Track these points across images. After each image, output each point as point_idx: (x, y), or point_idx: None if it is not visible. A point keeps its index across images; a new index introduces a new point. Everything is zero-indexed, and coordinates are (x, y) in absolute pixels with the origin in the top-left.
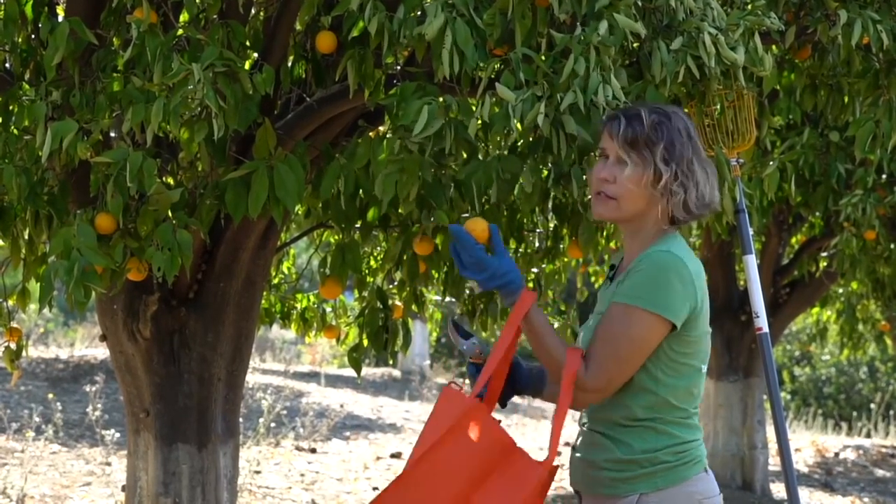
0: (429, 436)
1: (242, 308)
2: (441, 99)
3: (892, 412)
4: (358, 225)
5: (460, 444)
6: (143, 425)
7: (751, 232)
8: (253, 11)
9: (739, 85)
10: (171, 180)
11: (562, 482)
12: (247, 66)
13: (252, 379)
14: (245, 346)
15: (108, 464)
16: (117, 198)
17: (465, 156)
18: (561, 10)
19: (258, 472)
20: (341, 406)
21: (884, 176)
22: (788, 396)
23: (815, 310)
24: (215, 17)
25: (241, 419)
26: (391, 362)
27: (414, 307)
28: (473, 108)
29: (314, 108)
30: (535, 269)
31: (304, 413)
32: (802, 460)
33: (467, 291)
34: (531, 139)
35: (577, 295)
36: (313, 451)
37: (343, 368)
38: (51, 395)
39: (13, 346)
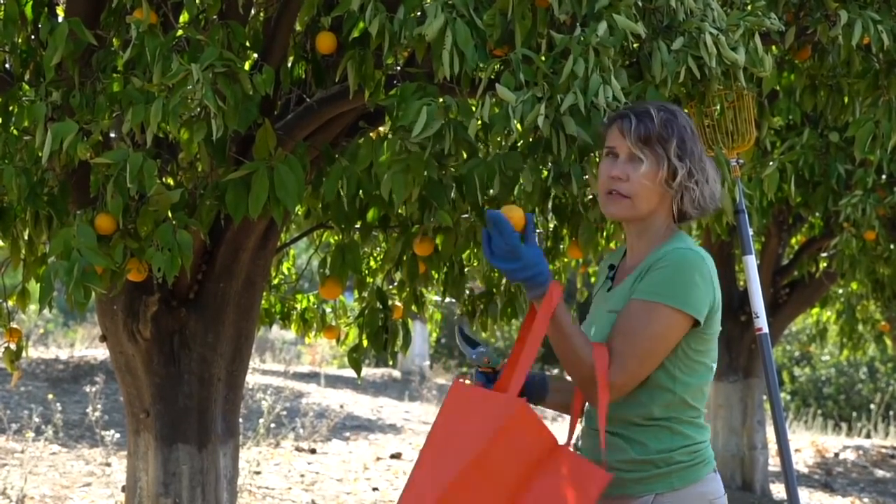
0: (442, 432)
1: (242, 308)
2: (441, 99)
3: (891, 413)
4: (358, 225)
5: (512, 446)
6: (143, 426)
7: (750, 232)
8: (253, 12)
9: (739, 85)
10: (171, 181)
11: None
12: (247, 66)
13: (252, 379)
14: (245, 347)
15: (108, 464)
16: (117, 198)
17: (465, 156)
18: (561, 11)
19: (258, 473)
20: (341, 406)
21: (883, 176)
22: (788, 397)
23: (815, 310)
24: (215, 17)
25: (241, 420)
26: (391, 363)
27: (414, 308)
28: (473, 109)
29: (314, 108)
30: None
31: (303, 413)
32: (802, 461)
33: (467, 292)
34: (531, 140)
35: (577, 295)
36: (313, 451)
37: (343, 369)
38: (51, 396)
39: (13, 346)
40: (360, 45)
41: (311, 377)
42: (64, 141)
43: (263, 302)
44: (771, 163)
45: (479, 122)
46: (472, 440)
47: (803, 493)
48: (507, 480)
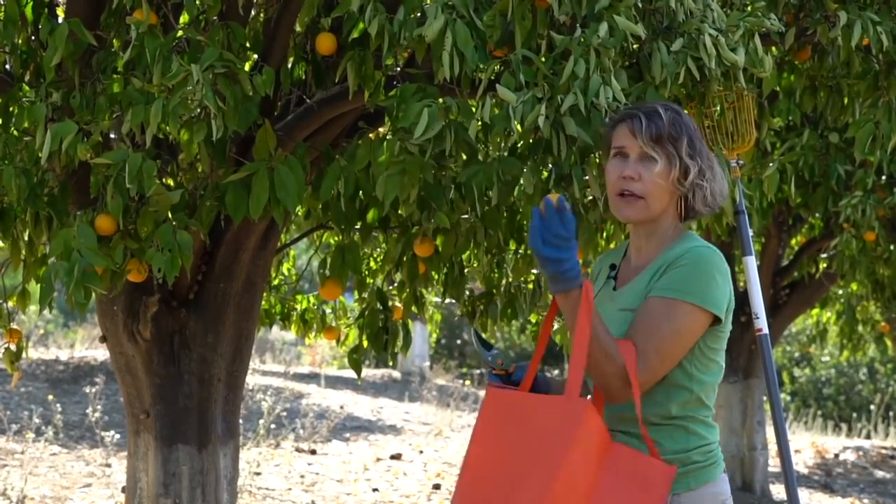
0: (503, 443)
1: (242, 309)
2: (441, 100)
3: (891, 413)
4: (358, 226)
5: (586, 449)
6: (144, 426)
7: (750, 233)
8: (253, 13)
9: (739, 86)
10: (171, 181)
11: None
12: (247, 67)
13: (252, 380)
14: (245, 347)
15: (109, 465)
16: (117, 199)
17: (465, 157)
18: (561, 12)
19: (258, 474)
20: (341, 407)
21: (883, 177)
22: (788, 398)
23: (815, 311)
24: (215, 18)
25: (241, 420)
26: (391, 363)
27: (414, 308)
28: (473, 110)
29: (314, 109)
30: (535, 270)
31: (304, 414)
32: (802, 461)
33: (467, 293)
34: (531, 141)
35: None
36: (313, 452)
37: (343, 370)
38: (51, 397)
39: (13, 347)
40: (360, 45)
41: (312, 378)
42: (64, 141)
43: (263, 302)
44: (771, 164)
45: (480, 122)
46: (550, 450)
47: (803, 493)
48: (583, 484)
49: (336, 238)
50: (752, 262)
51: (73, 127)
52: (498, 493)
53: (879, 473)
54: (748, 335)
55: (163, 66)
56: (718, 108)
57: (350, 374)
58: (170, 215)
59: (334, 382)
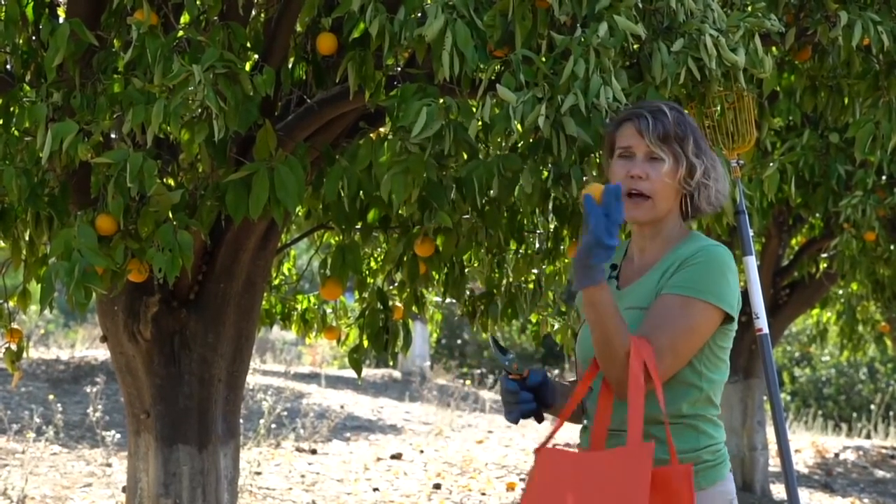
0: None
1: (243, 309)
2: (441, 100)
3: (891, 413)
4: (358, 226)
5: (651, 492)
6: (144, 426)
7: (751, 233)
8: (253, 13)
9: (739, 86)
10: (171, 181)
11: None
12: (247, 67)
13: (252, 380)
14: (245, 347)
15: (109, 465)
16: (118, 199)
17: (465, 157)
18: (561, 12)
19: (259, 473)
20: (342, 407)
21: (883, 177)
22: (788, 397)
23: (815, 311)
24: (216, 18)
25: (241, 420)
26: (391, 363)
27: (414, 308)
28: (474, 110)
29: (315, 109)
30: (535, 270)
31: (304, 414)
32: (802, 461)
33: (467, 293)
34: (531, 140)
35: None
36: (314, 452)
37: (343, 369)
38: (51, 397)
39: (14, 347)
40: (361, 45)
41: (312, 378)
42: (64, 141)
43: (264, 302)
44: (771, 164)
45: (480, 122)
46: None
47: (803, 493)
48: None
49: (336, 238)
50: (752, 262)
51: (74, 127)
52: None
53: (880, 473)
54: (748, 335)
55: (164, 66)
56: (719, 108)
57: (350, 373)
58: (170, 215)
59: (335, 382)
